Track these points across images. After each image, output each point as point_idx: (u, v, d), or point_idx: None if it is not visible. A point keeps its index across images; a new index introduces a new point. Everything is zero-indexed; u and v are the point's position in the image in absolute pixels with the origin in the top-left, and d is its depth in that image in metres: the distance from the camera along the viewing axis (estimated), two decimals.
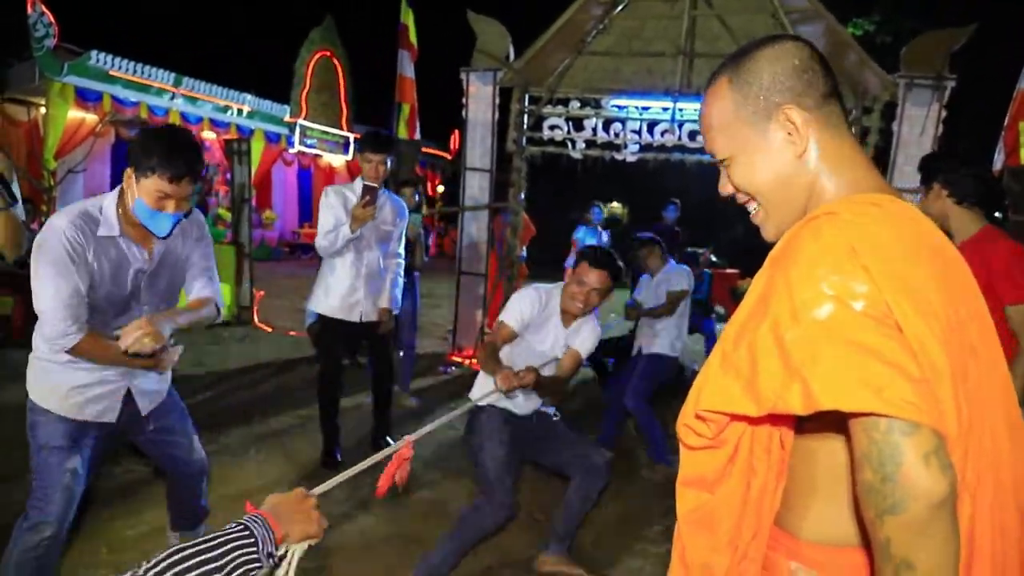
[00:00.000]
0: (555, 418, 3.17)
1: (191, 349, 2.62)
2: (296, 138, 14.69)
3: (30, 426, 2.15)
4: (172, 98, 11.44)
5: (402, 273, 4.17)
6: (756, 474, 1.08)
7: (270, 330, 7.49)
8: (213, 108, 12.47)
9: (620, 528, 3.45)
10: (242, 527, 1.14)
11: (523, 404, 3.00)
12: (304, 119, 14.76)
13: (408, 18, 7.28)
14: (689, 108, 6.48)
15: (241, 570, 1.10)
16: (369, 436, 4.21)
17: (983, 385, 0.94)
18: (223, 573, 1.08)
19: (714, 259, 12.84)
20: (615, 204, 32.87)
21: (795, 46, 1.07)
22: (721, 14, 6.23)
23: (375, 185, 3.70)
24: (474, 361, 6.74)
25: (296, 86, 14.74)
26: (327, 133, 15.66)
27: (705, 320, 7.32)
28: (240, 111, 13.17)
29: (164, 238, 2.18)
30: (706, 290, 7.57)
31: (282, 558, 1.20)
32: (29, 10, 8.81)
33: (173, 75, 11.36)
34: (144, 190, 2.03)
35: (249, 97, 13.33)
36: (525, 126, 6.81)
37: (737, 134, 1.07)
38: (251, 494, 3.46)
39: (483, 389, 2.91)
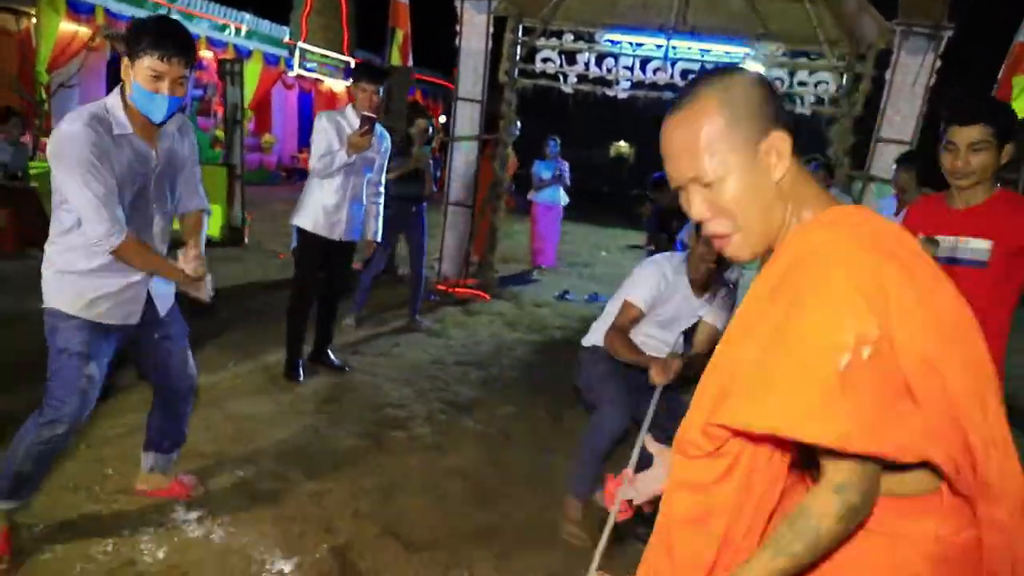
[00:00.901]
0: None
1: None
2: (295, 61, 14.48)
3: (49, 331, 2.22)
4: (167, 13, 11.25)
5: (382, 202, 4.33)
6: (753, 482, 1.10)
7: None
8: (210, 26, 12.28)
9: None
10: None
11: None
12: (304, 42, 14.52)
13: None
14: (683, 46, 6.44)
15: None
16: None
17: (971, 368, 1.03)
18: None
19: None
20: (622, 143, 32.54)
21: (759, 76, 1.12)
22: None
23: (373, 115, 3.86)
24: (457, 288, 6.88)
25: (297, 7, 14.45)
26: (327, 57, 15.42)
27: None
28: (238, 30, 12.97)
29: (161, 124, 2.23)
30: None
31: None
32: None
33: None
34: (139, 73, 2.09)
35: (247, 16, 13.10)
36: (518, 57, 6.76)
37: (727, 157, 1.07)
38: (222, 401, 3.65)
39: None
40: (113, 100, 2.17)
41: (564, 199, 8.67)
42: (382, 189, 4.34)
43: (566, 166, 8.60)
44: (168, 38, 2.08)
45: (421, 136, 5.50)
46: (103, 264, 2.19)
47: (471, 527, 2.77)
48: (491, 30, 6.67)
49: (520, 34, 6.73)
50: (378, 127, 4.13)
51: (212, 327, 4.66)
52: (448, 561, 2.52)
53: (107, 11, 10.18)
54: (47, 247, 2.24)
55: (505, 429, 3.77)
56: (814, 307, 0.99)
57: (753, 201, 1.08)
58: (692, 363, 2.69)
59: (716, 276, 2.86)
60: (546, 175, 8.49)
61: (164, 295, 2.45)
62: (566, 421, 3.95)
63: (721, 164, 1.07)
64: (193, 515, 2.58)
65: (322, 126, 3.93)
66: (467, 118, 6.94)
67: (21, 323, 4.21)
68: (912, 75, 5.92)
